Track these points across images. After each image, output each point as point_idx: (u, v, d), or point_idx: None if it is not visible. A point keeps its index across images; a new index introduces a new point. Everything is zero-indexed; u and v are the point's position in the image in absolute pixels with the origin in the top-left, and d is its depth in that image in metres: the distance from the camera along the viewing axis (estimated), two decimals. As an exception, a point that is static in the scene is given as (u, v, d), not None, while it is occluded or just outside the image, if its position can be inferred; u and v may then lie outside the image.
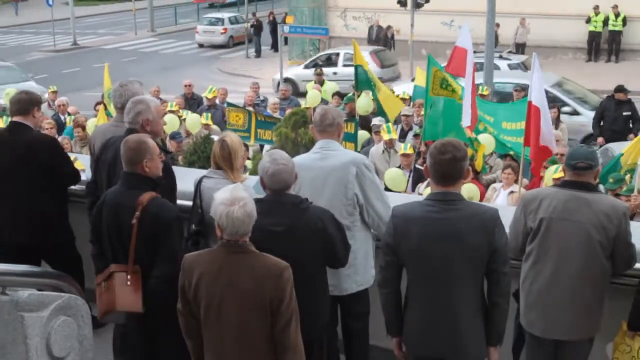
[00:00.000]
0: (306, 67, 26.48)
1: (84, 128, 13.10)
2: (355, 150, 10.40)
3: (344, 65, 24.62)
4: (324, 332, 5.15)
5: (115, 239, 5.12)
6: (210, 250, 4.41)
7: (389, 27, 28.73)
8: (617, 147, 11.07)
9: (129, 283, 5.00)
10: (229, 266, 4.22)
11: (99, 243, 5.30)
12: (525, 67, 21.33)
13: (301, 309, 4.39)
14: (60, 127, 14.52)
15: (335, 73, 24.84)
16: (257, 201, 4.58)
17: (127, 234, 5.00)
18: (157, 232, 4.96)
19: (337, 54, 26.70)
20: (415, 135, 12.06)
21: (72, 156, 7.21)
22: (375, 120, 12.98)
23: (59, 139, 11.17)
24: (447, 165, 4.47)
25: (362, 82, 12.99)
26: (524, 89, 16.09)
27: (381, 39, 29.76)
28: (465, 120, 9.87)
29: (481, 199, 9.58)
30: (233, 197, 4.15)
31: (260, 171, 4.88)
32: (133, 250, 5.00)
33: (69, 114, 15.14)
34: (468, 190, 9.26)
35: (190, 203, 5.66)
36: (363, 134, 12.61)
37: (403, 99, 15.21)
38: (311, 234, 4.77)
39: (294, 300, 4.21)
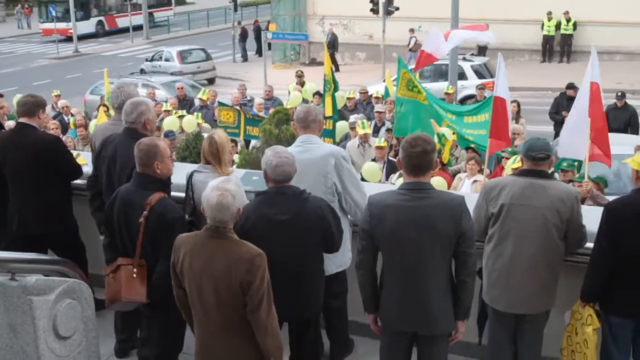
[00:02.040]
0: (146, 60, 31.34)
1: (86, 127, 13.08)
2: (333, 144, 10.40)
3: (165, 60, 30.31)
4: (320, 311, 5.16)
5: (125, 234, 5.08)
6: (196, 232, 4.40)
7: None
8: (567, 138, 11.11)
9: (135, 275, 4.97)
10: (206, 249, 4.20)
11: (111, 235, 5.26)
12: (486, 67, 21.37)
13: (302, 291, 4.36)
14: (64, 127, 14.45)
15: (160, 66, 29.78)
16: (261, 193, 4.57)
17: (135, 230, 4.96)
18: (162, 229, 4.91)
19: (162, 51, 31.32)
20: (388, 130, 12.08)
21: (75, 153, 7.15)
22: (352, 117, 13.01)
23: (64, 138, 11.11)
24: (417, 157, 4.48)
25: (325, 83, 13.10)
26: (484, 88, 16.24)
27: (331, 44, 29.68)
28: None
29: (448, 188, 9.60)
30: (217, 187, 4.14)
31: (264, 164, 4.84)
32: (140, 245, 4.97)
33: (72, 115, 15.07)
34: (437, 182, 9.30)
35: (183, 195, 5.64)
36: (343, 127, 12.62)
37: (377, 98, 15.29)
38: (312, 222, 4.76)
39: (265, 285, 4.14)
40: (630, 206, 4.81)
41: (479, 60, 22.22)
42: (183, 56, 30.25)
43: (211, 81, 29.64)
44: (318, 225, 4.77)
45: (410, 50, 27.35)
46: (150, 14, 47.19)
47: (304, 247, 4.71)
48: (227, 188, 4.14)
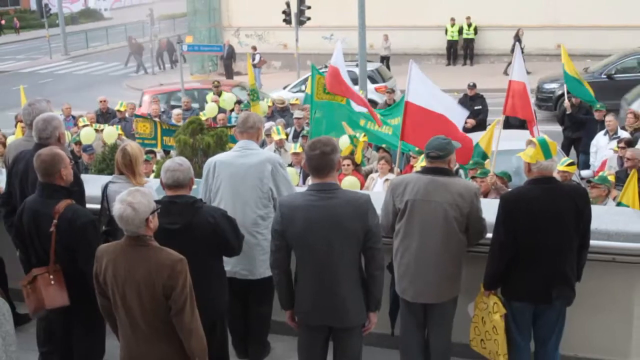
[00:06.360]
0: None
1: (4, 145, 12.61)
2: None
3: None
4: (225, 315, 5.12)
5: (37, 244, 5.00)
6: (117, 242, 4.32)
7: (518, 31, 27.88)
8: (473, 137, 11.30)
9: (52, 282, 4.91)
10: (127, 257, 4.16)
11: (24, 247, 5.15)
12: (379, 73, 21.81)
13: (201, 296, 4.33)
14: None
15: None
16: (156, 202, 4.49)
17: (46, 239, 4.90)
18: (74, 235, 4.85)
19: None
20: (303, 137, 12.12)
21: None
22: (267, 125, 13.00)
23: (-19, 156, 10.72)
24: (316, 160, 4.53)
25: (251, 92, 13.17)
26: (393, 90, 16.48)
27: (229, 55, 29.56)
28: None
29: (362, 188, 9.67)
30: (121, 199, 4.11)
31: (161, 171, 4.82)
32: (53, 253, 4.91)
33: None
34: (350, 182, 9.37)
35: (98, 206, 5.53)
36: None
37: (292, 104, 15.36)
38: (204, 230, 4.72)
39: (188, 289, 4.13)
40: (523, 196, 4.97)
41: (372, 67, 22.52)
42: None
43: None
44: (210, 234, 4.74)
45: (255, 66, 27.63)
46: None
47: (198, 255, 4.64)
48: (130, 201, 4.08)
